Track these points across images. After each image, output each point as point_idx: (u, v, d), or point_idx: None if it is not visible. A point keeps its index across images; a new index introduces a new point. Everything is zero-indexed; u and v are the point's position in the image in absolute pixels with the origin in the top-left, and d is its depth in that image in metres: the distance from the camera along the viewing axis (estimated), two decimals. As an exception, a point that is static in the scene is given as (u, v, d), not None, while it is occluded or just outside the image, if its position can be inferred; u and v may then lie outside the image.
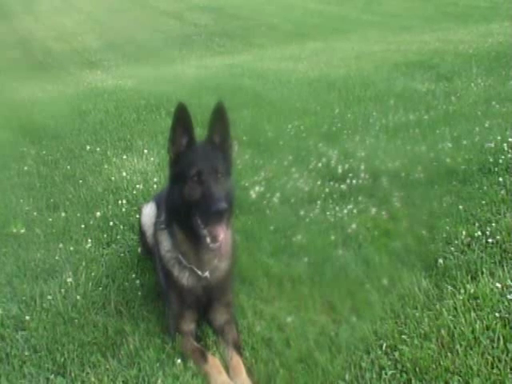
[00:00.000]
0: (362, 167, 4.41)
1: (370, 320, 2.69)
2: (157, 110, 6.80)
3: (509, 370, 2.29)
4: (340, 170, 4.41)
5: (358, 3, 17.95)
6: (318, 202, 3.94)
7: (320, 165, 4.55)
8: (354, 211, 3.77)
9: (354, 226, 3.56)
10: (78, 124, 6.61)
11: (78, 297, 3.00)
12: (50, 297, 3.01)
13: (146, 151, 5.29)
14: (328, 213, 3.78)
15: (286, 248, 3.39)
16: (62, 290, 3.07)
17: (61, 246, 3.60)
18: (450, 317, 2.63)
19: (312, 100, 6.66)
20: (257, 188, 4.17)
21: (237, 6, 18.04)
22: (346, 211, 3.77)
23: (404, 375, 2.34)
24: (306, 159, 4.70)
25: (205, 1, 19.26)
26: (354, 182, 4.21)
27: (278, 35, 13.97)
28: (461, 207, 3.66)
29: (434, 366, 2.35)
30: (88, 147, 5.62)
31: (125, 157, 5.21)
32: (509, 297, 2.73)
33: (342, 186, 4.16)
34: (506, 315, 2.60)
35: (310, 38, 12.88)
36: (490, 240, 3.25)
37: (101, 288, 3.09)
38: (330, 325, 2.70)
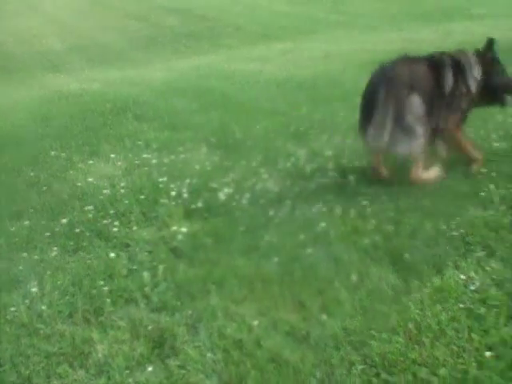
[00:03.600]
0: (330, 166, 4.45)
1: (339, 317, 2.71)
2: (123, 113, 6.73)
3: (473, 358, 2.35)
4: (308, 170, 4.44)
5: (325, 3, 18.04)
6: (287, 201, 3.96)
7: (289, 164, 4.57)
8: (323, 210, 3.80)
9: (323, 224, 3.59)
10: (42, 129, 6.49)
11: (44, 307, 2.94)
12: (13, 308, 2.95)
13: (112, 155, 5.23)
14: (297, 212, 3.80)
15: (256, 248, 3.40)
16: (27, 301, 3.01)
17: (25, 255, 3.53)
18: (417, 310, 2.67)
19: (280, 100, 6.69)
20: (226, 189, 4.17)
21: (202, 7, 17.95)
22: (314, 210, 3.80)
23: (373, 369, 2.36)
24: (275, 159, 4.71)
25: (170, 2, 19.10)
26: (322, 180, 4.24)
27: (246, 36, 13.96)
28: (426, 202, 3.74)
29: (401, 359, 2.38)
30: (52, 153, 5.51)
31: (91, 162, 5.14)
32: (472, 288, 2.80)
33: (311, 185, 4.19)
34: (470, 306, 2.67)
35: (278, 38, 12.90)
36: (454, 233, 3.32)
37: (67, 297, 3.03)
38: (301, 323, 2.71)
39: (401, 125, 3.86)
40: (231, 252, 3.37)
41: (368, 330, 2.59)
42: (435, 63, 4.06)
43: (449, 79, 4.01)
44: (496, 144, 4.56)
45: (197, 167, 4.70)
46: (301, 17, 15.98)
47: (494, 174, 4.02)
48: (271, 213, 3.79)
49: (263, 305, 2.87)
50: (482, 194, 3.77)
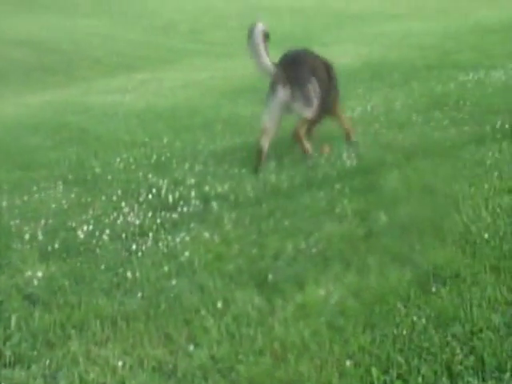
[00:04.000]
0: (193, 194, 4.47)
1: (207, 345, 2.70)
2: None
3: (335, 369, 2.44)
4: (171, 199, 4.41)
5: (182, 32, 18.26)
6: (150, 233, 3.90)
7: (150, 196, 4.51)
8: (187, 239, 3.79)
9: (187, 253, 3.57)
10: None
11: None
12: None
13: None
14: (160, 244, 3.75)
15: (119, 286, 3.30)
16: None
17: None
18: (282, 329, 2.74)
19: (140, 131, 6.61)
20: (85, 227, 4.01)
21: (57, 39, 17.27)
22: (178, 240, 3.78)
23: (241, 394, 2.38)
24: (136, 192, 4.63)
25: (21, 35, 18.13)
26: (185, 209, 4.24)
27: (103, 68, 13.67)
28: (287, 222, 3.88)
29: (268, 380, 2.42)
30: None
31: None
32: (332, 301, 2.93)
33: (174, 215, 4.16)
34: (331, 318, 2.79)
35: (137, 69, 12.79)
36: (313, 250, 3.47)
37: None
38: (168, 357, 2.65)
39: (305, 92, 4.96)
40: (92, 292, 3.23)
41: (235, 354, 2.61)
42: (324, 62, 5.32)
43: (333, 74, 5.33)
44: (347, 162, 4.86)
45: (53, 206, 4.48)
46: (159, 46, 16.02)
47: (347, 190, 4.27)
48: (134, 247, 3.71)
49: (128, 343, 2.77)
50: (337, 209, 3.99)
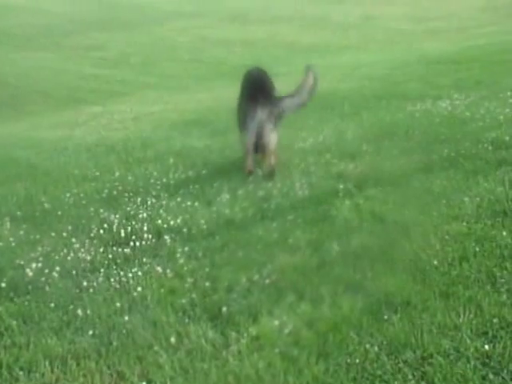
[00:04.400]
0: (145, 228, 4.42)
1: (160, 382, 2.67)
2: None
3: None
4: (123, 234, 4.35)
5: (134, 65, 18.29)
6: (102, 269, 3.83)
7: (102, 231, 4.43)
8: (139, 273, 3.73)
9: (139, 288, 3.53)
10: None
11: None
12: None
13: None
14: (112, 279, 3.68)
15: (70, 324, 3.21)
16: None
17: None
18: (236, 362, 2.73)
19: (91, 165, 6.51)
20: (34, 265, 3.89)
21: (4, 73, 17.03)
22: (130, 275, 3.72)
23: (195, 432, 2.34)
24: (87, 227, 4.54)
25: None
26: (138, 244, 4.18)
27: (53, 101, 13.49)
28: (240, 254, 3.89)
29: (223, 416, 2.40)
30: None
31: None
32: (286, 332, 2.95)
33: (126, 250, 4.10)
34: (285, 349, 2.79)
35: (87, 102, 12.68)
36: (267, 281, 3.49)
37: None
38: (120, 396, 2.60)
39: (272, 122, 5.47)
40: (41, 332, 3.14)
41: (189, 391, 2.57)
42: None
43: None
44: (300, 192, 4.93)
45: (0, 244, 4.34)
46: (110, 79, 15.97)
47: (299, 221, 4.32)
48: (84, 283, 3.63)
49: (79, 383, 2.70)
50: (290, 240, 4.03)
